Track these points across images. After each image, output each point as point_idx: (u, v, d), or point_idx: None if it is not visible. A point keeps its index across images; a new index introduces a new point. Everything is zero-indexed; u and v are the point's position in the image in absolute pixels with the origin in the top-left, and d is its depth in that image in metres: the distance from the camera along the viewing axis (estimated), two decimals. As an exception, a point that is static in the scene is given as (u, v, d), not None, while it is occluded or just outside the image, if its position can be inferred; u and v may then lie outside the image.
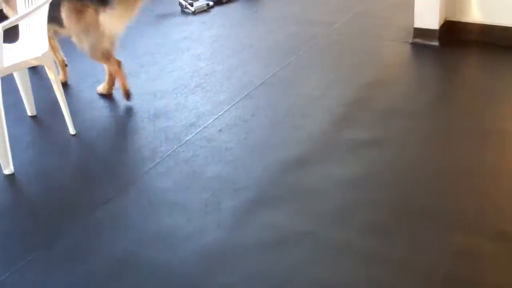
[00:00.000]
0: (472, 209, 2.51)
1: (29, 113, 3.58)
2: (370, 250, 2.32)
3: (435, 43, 4.02)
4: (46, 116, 3.56)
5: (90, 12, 3.47)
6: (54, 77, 3.25)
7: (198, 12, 5.10)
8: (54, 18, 3.43)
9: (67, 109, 3.30)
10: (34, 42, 3.25)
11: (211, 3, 5.23)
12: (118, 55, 4.32)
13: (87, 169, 3.04)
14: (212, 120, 3.36)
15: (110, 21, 3.52)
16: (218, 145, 3.13)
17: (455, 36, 4.07)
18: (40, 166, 3.13)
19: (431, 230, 2.40)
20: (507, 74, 3.69)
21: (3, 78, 2.96)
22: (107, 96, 3.75)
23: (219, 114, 3.42)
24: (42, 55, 3.16)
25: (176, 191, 2.78)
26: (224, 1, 5.30)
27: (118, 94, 3.75)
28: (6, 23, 2.94)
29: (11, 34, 3.18)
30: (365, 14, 4.79)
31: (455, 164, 2.86)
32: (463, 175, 2.77)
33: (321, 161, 2.94)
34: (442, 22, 4.04)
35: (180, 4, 5.20)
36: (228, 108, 3.48)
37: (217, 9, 5.19)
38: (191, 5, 5.14)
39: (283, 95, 3.66)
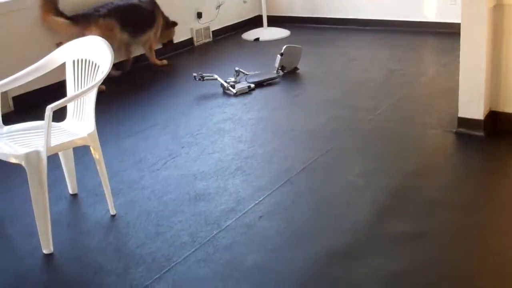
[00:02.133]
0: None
1: (70, 191, 3.60)
2: None
3: (480, 133, 3.96)
4: (87, 195, 3.57)
5: None
6: (98, 157, 3.27)
7: (240, 94, 5.16)
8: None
9: (109, 189, 3.31)
10: (81, 122, 3.30)
11: (252, 86, 5.30)
12: (159, 135, 4.39)
13: (125, 252, 3.00)
14: (252, 205, 3.32)
15: None
16: (259, 232, 3.08)
17: (500, 126, 4.01)
18: (79, 246, 3.11)
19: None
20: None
21: (48, 156, 2.99)
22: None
23: (260, 199, 3.38)
24: (88, 135, 3.20)
25: (215, 281, 2.71)
26: (265, 83, 5.37)
27: (159, 175, 3.76)
28: (55, 104, 2.99)
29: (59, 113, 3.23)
30: (408, 100, 4.78)
31: (503, 262, 2.75)
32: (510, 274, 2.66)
33: (365, 254, 2.85)
34: (487, 112, 4.00)
35: (222, 86, 5.28)
36: (269, 194, 3.44)
37: (258, 91, 5.24)
38: (233, 87, 5.22)
39: (325, 182, 3.62)
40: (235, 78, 5.38)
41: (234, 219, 3.20)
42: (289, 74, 5.56)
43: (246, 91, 5.24)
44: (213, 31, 7.27)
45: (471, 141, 3.95)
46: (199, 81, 5.36)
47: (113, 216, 3.32)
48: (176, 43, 6.77)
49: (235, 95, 5.16)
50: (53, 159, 3.40)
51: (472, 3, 3.82)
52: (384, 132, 4.26)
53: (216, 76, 5.36)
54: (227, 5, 7.36)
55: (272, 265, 2.81)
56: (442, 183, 3.50)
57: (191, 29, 6.98)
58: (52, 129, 3.05)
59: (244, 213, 3.25)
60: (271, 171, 3.76)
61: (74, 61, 3.39)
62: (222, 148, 4.12)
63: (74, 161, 3.56)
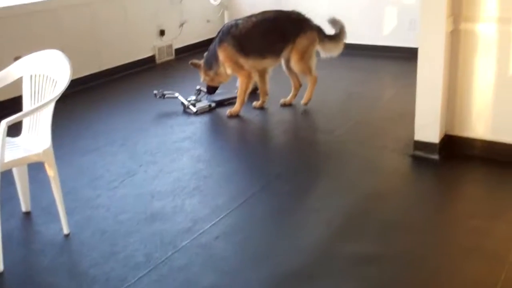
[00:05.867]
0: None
1: (23, 209, 3.52)
2: None
3: (435, 156, 4.03)
4: (41, 213, 3.50)
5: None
6: (53, 174, 3.21)
7: (200, 113, 5.15)
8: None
9: (63, 207, 3.25)
10: (36, 138, 3.25)
11: (213, 105, 5.30)
12: (117, 152, 4.34)
13: (78, 272, 2.95)
14: (209, 226, 3.30)
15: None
16: (215, 253, 3.06)
17: (455, 150, 4.09)
18: (31, 265, 3.04)
19: None
20: (508, 190, 3.68)
21: (1, 172, 2.92)
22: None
23: (217, 219, 3.37)
24: (43, 151, 3.15)
25: (169, 302, 2.68)
26: (226, 103, 5.37)
27: (115, 193, 3.72)
28: (11, 119, 2.94)
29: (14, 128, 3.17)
30: (366, 123, 4.84)
31: (455, 284, 2.79)
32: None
33: (320, 275, 2.85)
34: (442, 136, 4.08)
35: (183, 104, 5.26)
36: (226, 214, 3.43)
37: (219, 111, 5.25)
38: (194, 105, 5.21)
39: (282, 203, 3.62)
40: (196, 97, 5.37)
41: (190, 239, 3.17)
42: (250, 94, 5.56)
43: (206, 110, 5.24)
44: (176, 49, 7.27)
45: (427, 164, 4.02)
46: (160, 98, 5.34)
47: (67, 235, 3.25)
48: (138, 60, 6.75)
49: (196, 113, 5.15)
50: (7, 176, 3.33)
51: (430, 28, 3.91)
52: (341, 154, 4.30)
53: (177, 94, 5.34)
54: (190, 23, 7.37)
55: (227, 287, 2.79)
56: (398, 205, 3.54)
57: (154, 46, 6.97)
58: (6, 144, 2.99)
59: (200, 234, 3.23)
60: (229, 191, 3.76)
61: (31, 76, 3.34)
62: (181, 167, 4.09)
63: (29, 178, 3.49)
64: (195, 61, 5.27)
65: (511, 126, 3.95)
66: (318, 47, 5.23)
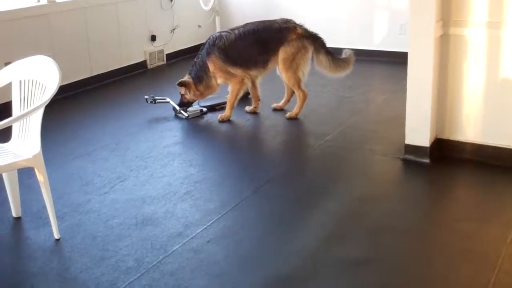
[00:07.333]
0: None
1: (14, 214, 3.50)
2: None
3: (426, 160, 4.05)
4: (31, 218, 3.48)
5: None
6: (43, 180, 3.20)
7: (192, 118, 5.15)
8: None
9: (53, 212, 3.24)
10: (26, 144, 3.24)
11: (204, 109, 5.30)
12: (107, 157, 4.33)
13: (68, 277, 2.93)
14: (200, 230, 3.30)
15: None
16: (206, 257, 3.05)
17: (446, 154, 4.11)
18: (20, 271, 3.03)
19: None
20: (498, 193, 3.69)
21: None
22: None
23: (208, 224, 3.36)
24: (33, 157, 3.14)
25: (160, 306, 2.67)
26: (217, 108, 5.37)
27: (106, 198, 3.71)
28: (0, 124, 2.93)
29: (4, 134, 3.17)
30: (357, 127, 4.85)
31: (444, 287, 2.79)
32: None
33: (311, 279, 2.85)
34: (432, 140, 4.09)
35: (174, 109, 5.26)
36: (218, 218, 3.43)
37: (210, 116, 5.25)
38: (185, 110, 5.20)
39: (273, 206, 3.62)
40: (187, 102, 5.36)
41: (181, 244, 3.17)
42: (242, 98, 5.57)
43: (198, 115, 5.24)
44: (167, 54, 7.27)
45: (417, 167, 4.03)
46: (151, 104, 5.34)
47: (57, 240, 3.24)
48: (129, 65, 6.74)
49: (187, 118, 5.15)
50: (-4, 181, 3.33)
51: (420, 33, 3.93)
52: (333, 158, 4.31)
53: (168, 99, 5.34)
54: (182, 28, 7.38)
55: (218, 290, 2.79)
56: (389, 209, 3.55)
57: (145, 51, 6.97)
58: (-5, 150, 2.98)
59: (191, 238, 3.22)
60: (221, 195, 3.75)
61: (20, 81, 3.33)
62: (172, 171, 4.09)
63: (19, 183, 3.48)
64: (182, 80, 5.17)
65: (500, 129, 3.97)
66: (314, 57, 5.04)
